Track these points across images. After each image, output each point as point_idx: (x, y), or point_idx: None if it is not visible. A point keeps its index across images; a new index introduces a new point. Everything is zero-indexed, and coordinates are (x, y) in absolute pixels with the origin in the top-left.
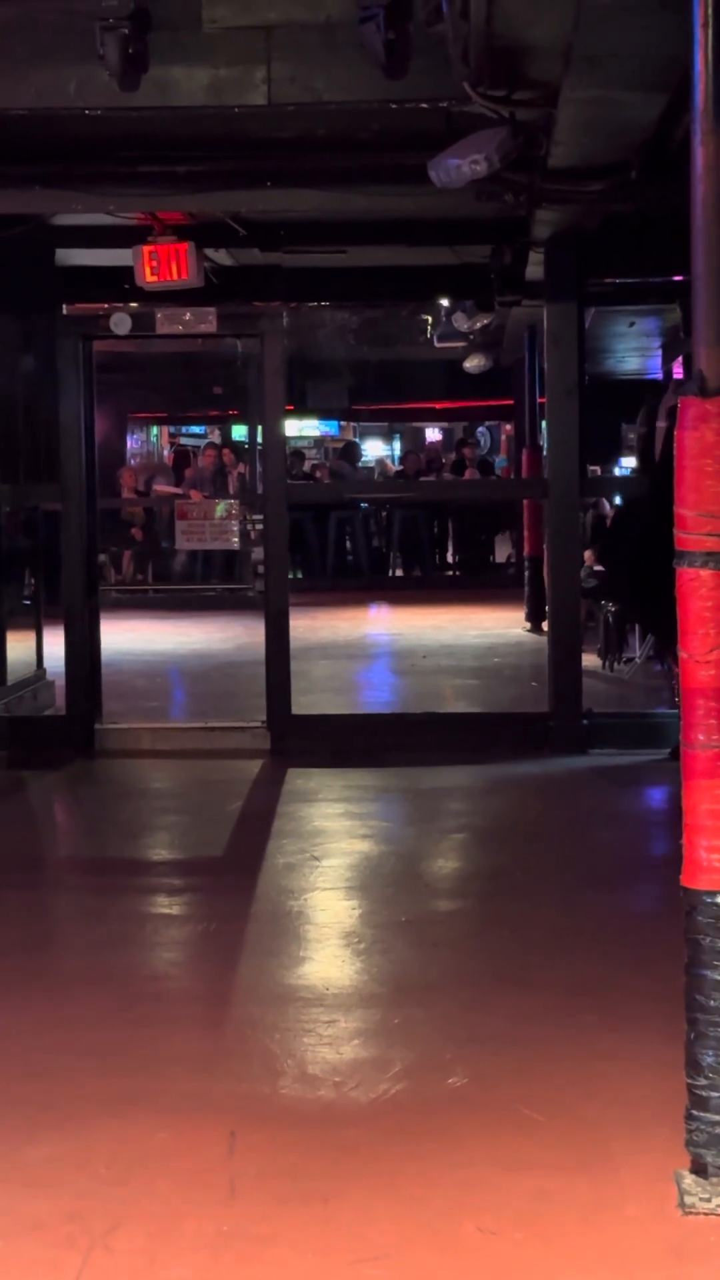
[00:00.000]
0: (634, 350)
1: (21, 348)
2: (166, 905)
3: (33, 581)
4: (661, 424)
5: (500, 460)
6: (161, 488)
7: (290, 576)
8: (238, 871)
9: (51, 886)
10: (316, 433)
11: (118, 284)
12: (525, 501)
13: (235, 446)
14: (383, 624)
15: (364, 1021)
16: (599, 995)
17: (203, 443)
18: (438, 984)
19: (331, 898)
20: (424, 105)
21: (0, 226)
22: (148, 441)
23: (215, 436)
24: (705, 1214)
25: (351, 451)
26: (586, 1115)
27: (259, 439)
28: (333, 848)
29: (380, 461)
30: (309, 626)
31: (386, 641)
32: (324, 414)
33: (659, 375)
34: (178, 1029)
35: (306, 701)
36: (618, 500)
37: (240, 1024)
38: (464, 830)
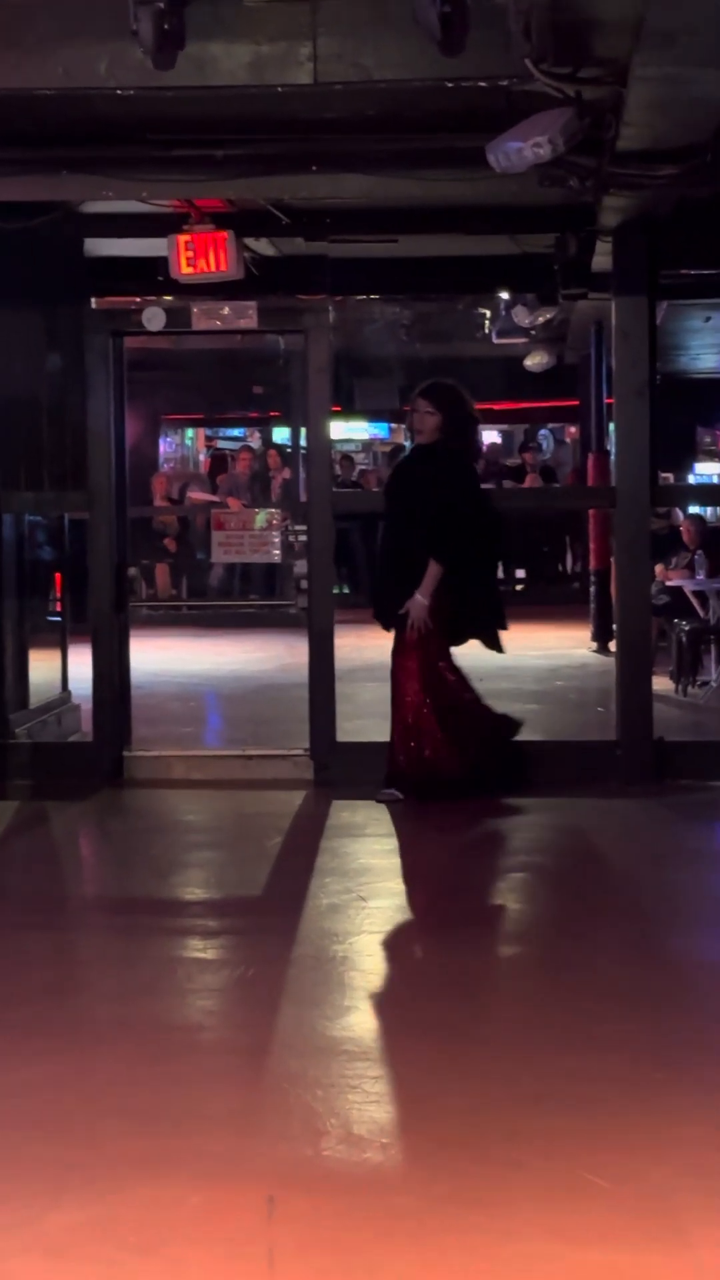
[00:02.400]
0: (710, 347)
1: (47, 344)
2: (201, 949)
3: (58, 596)
4: None
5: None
6: (197, 495)
7: (336, 591)
8: (277, 913)
9: (77, 928)
10: (365, 435)
11: (151, 276)
12: (591, 511)
13: (280, 450)
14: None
15: (413, 1078)
16: (671, 1052)
17: (239, 445)
18: (493, 1037)
19: (379, 942)
20: (482, 84)
21: (25, 214)
22: (182, 445)
23: (254, 440)
24: None
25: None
26: (657, 1183)
27: (302, 442)
28: (381, 887)
29: None
30: (355, 646)
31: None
32: (373, 415)
33: None
34: (213, 1084)
35: (353, 728)
36: (693, 510)
37: (279, 1079)
38: (523, 869)
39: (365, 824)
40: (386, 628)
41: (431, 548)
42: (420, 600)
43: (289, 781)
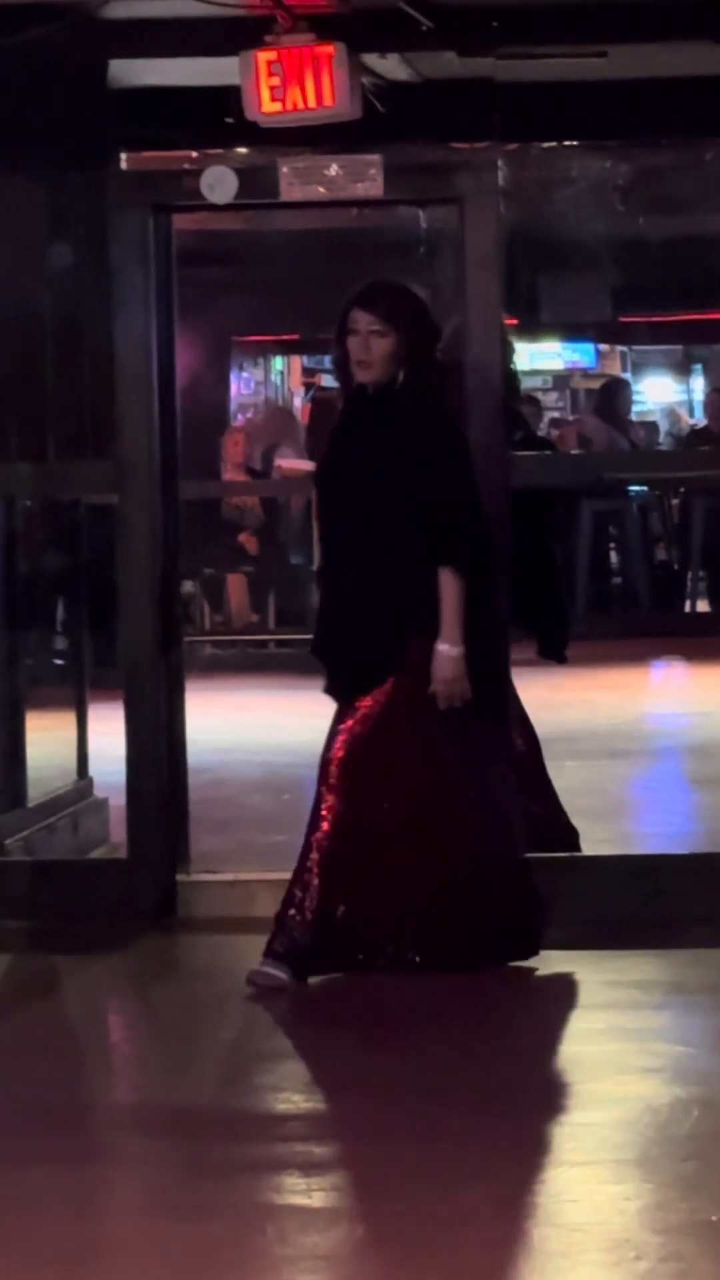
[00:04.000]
0: None
1: (51, 229)
2: (300, 1190)
3: (71, 630)
4: None
5: None
6: (291, 463)
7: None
8: (425, 1134)
9: (107, 1158)
10: (558, 364)
11: (213, 118)
12: None
13: None
14: (674, 695)
15: None
16: None
17: None
18: None
19: (589, 1179)
20: None
21: (16, 23)
22: (267, 384)
23: None
24: None
25: (617, 396)
26: None
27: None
28: (588, 1091)
29: (670, 413)
30: (546, 701)
31: (681, 727)
32: (570, 332)
33: None
34: None
35: None
36: None
37: None
38: None
39: (563, 988)
40: (348, 697)
41: (444, 550)
42: (450, 653)
43: None
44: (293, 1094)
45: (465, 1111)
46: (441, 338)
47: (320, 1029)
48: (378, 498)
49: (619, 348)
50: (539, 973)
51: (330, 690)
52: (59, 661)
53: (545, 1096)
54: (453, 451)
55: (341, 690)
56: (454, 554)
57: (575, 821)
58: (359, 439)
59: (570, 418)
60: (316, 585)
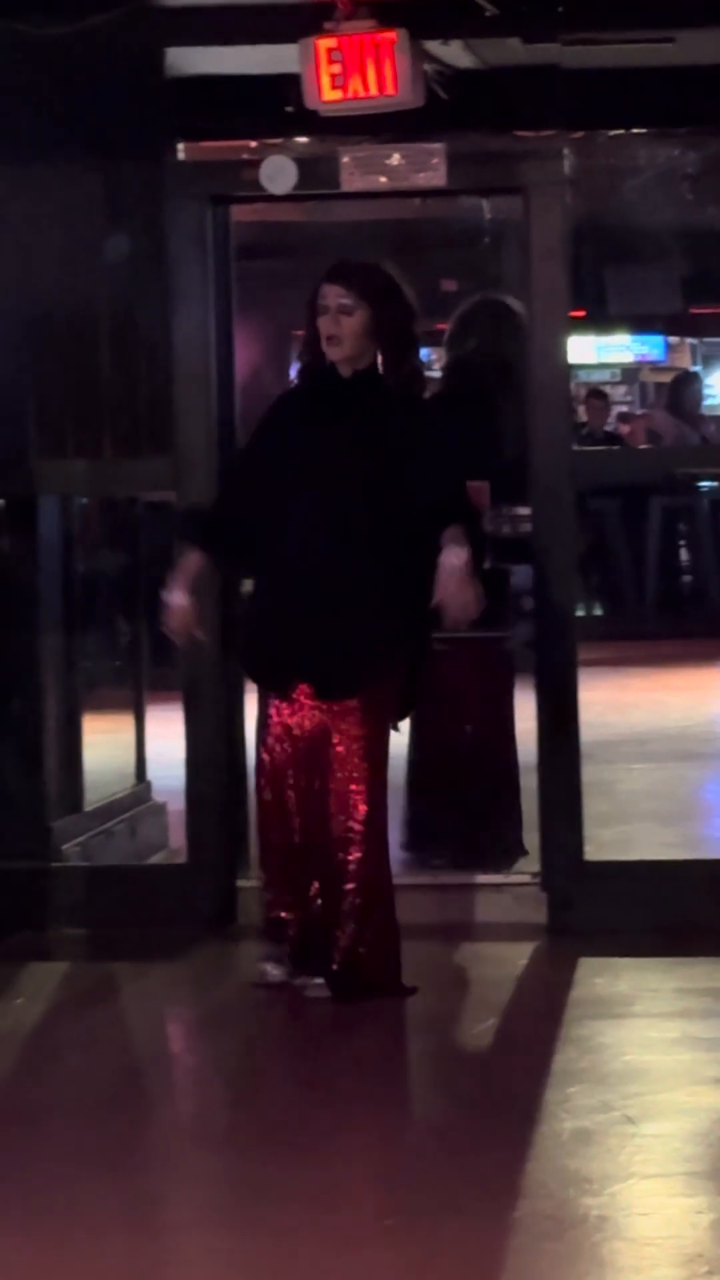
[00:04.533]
0: None
1: (107, 220)
2: (365, 1205)
3: (129, 630)
4: None
5: None
6: None
7: (582, 613)
8: (491, 1143)
9: (169, 1172)
10: (627, 357)
11: (273, 106)
12: None
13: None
14: None
15: None
16: None
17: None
18: None
19: (660, 1192)
20: None
21: (73, 11)
22: None
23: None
24: None
25: (687, 390)
26: None
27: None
28: (660, 1101)
29: None
30: (616, 702)
31: None
32: (639, 325)
33: None
34: None
35: (612, 838)
36: None
37: None
38: None
39: (634, 997)
40: (331, 694)
41: (453, 520)
42: (459, 560)
43: (508, 927)
44: (353, 1103)
45: (529, 1121)
46: (416, 317)
47: (395, 1039)
48: (379, 492)
49: (689, 340)
50: (607, 980)
51: (317, 687)
52: (117, 663)
53: (614, 1107)
54: (456, 449)
55: (331, 686)
56: (465, 518)
57: (643, 825)
58: (343, 428)
59: (639, 412)
60: (263, 580)
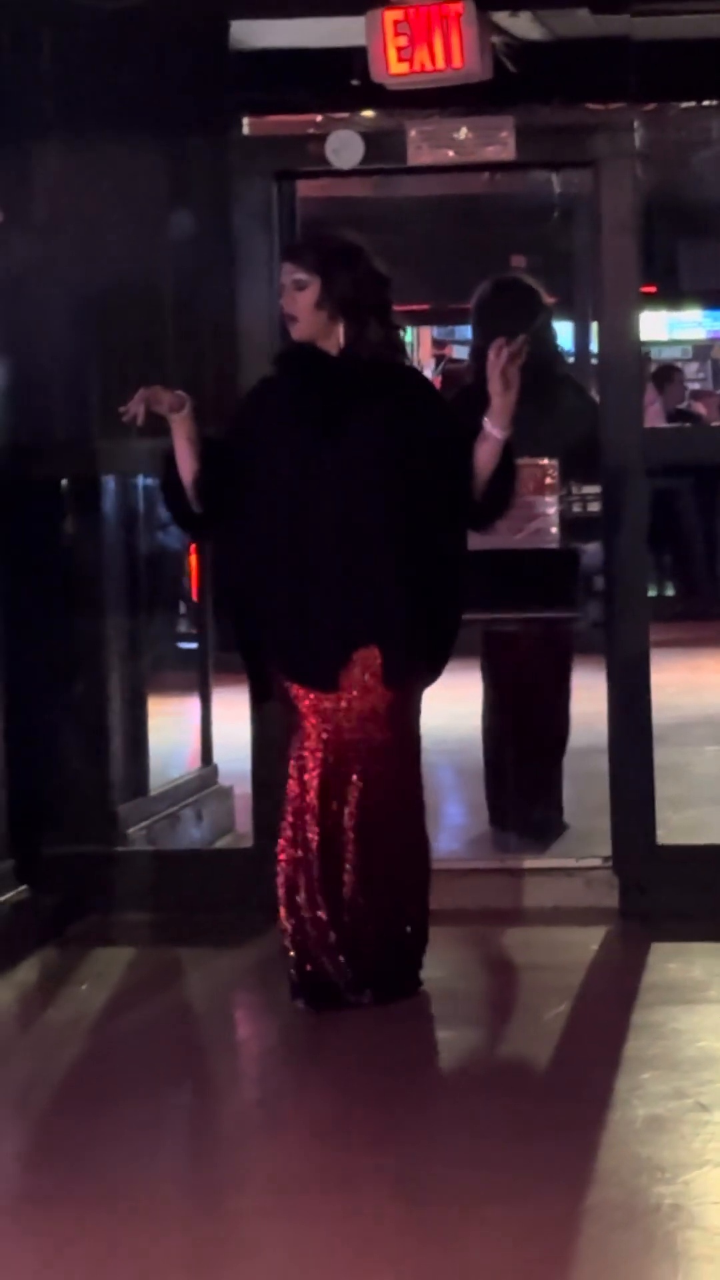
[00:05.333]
0: None
1: (171, 195)
2: (426, 1194)
3: (194, 609)
4: None
5: None
6: None
7: (654, 594)
8: (563, 1130)
9: (235, 1158)
10: (699, 334)
11: (339, 80)
12: None
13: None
14: None
15: None
16: None
17: None
18: None
19: None
20: None
21: None
22: None
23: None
24: None
25: None
26: None
27: (593, 346)
28: None
29: None
30: (689, 684)
31: None
32: (711, 300)
33: None
34: None
35: (685, 821)
36: None
37: None
38: None
39: (709, 983)
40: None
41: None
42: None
43: (580, 912)
44: (418, 1092)
45: (601, 1109)
46: (383, 283)
47: (462, 1025)
48: (393, 470)
49: None
50: (680, 965)
51: (314, 680)
52: (183, 645)
53: (688, 1094)
54: (454, 420)
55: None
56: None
57: (716, 809)
58: (336, 405)
59: (712, 387)
60: (265, 565)
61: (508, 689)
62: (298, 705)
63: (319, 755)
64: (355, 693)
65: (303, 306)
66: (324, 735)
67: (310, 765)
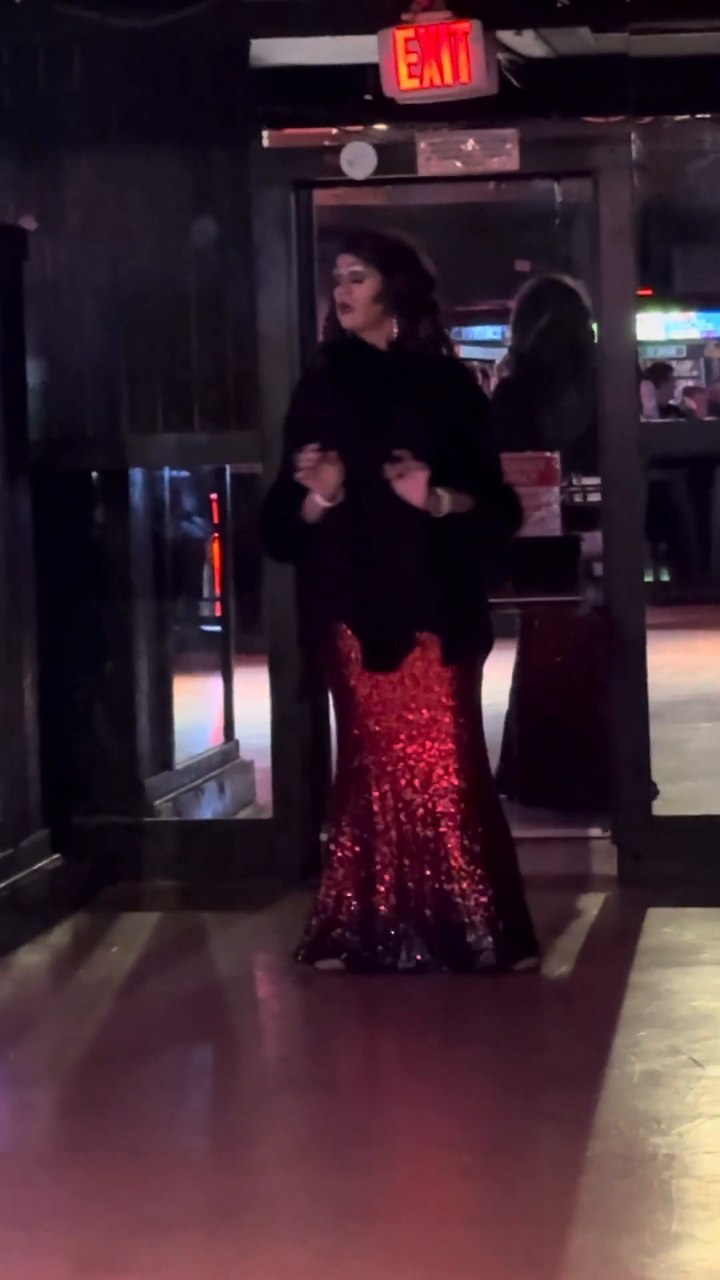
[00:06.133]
0: None
1: (194, 204)
2: (445, 1145)
3: (217, 595)
4: None
5: None
6: None
7: (650, 580)
8: (564, 1084)
9: (255, 1113)
10: (693, 333)
11: (353, 95)
12: None
13: None
14: None
15: None
16: None
17: (500, 354)
18: None
19: None
20: None
21: (161, 3)
22: None
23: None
24: None
25: None
26: None
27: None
28: None
29: None
30: (683, 665)
31: None
32: (704, 302)
33: None
34: None
35: (679, 793)
36: None
37: None
38: None
39: (701, 946)
40: (389, 666)
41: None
42: (439, 500)
43: (579, 879)
44: (432, 1049)
45: (601, 1064)
46: (433, 284)
47: (469, 986)
48: (437, 455)
49: None
50: (675, 929)
51: (379, 663)
52: (208, 628)
53: (682, 1051)
54: (488, 411)
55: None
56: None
57: (710, 782)
58: (387, 395)
59: (703, 385)
60: (332, 546)
61: (549, 671)
62: (360, 690)
63: (380, 741)
64: (417, 674)
65: (359, 298)
66: (386, 723)
67: (370, 759)
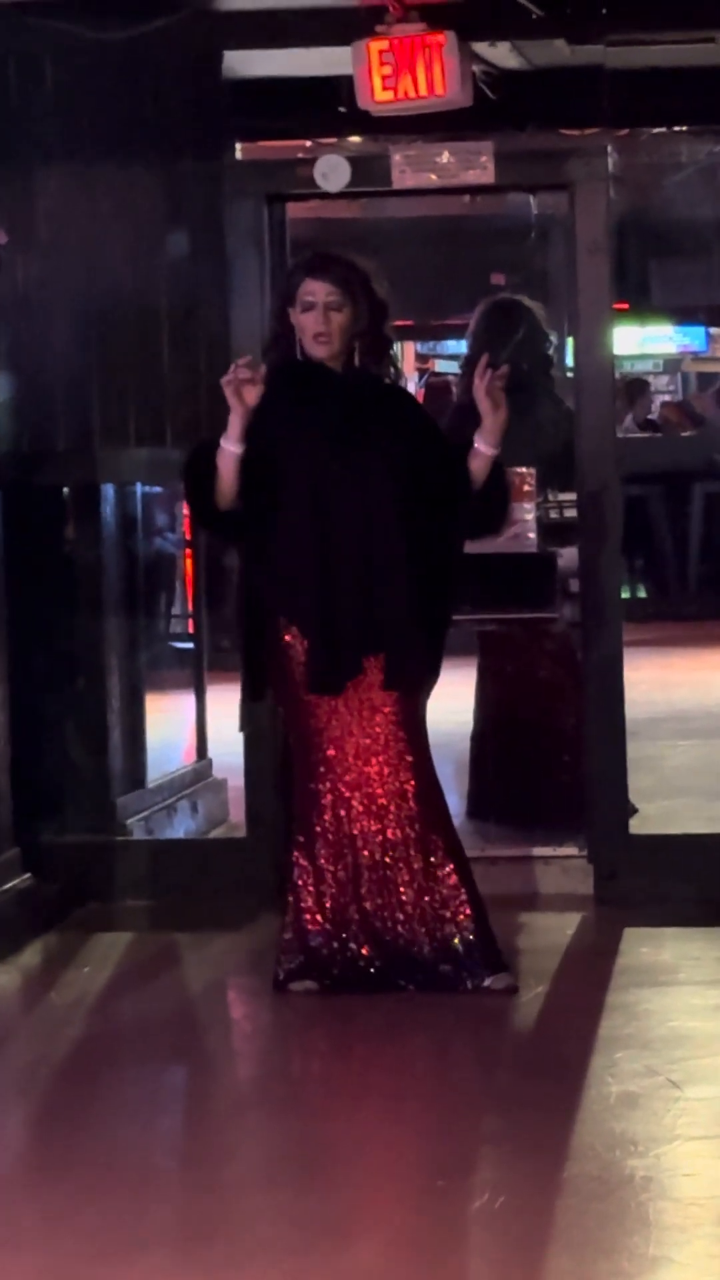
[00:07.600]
0: None
1: (167, 217)
2: (421, 1160)
3: (189, 611)
4: None
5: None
6: None
7: (627, 596)
8: (539, 1106)
9: (229, 1134)
10: (669, 348)
11: (327, 107)
12: None
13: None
14: None
15: None
16: None
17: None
18: None
19: (704, 1153)
20: None
21: (134, 15)
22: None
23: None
24: None
25: None
26: None
27: (569, 360)
28: (703, 1066)
29: None
30: (659, 681)
31: None
32: (681, 316)
33: None
34: None
35: (656, 812)
36: None
37: None
38: None
39: (677, 966)
40: (335, 689)
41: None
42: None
43: (555, 898)
44: (411, 1067)
45: (577, 1086)
46: (388, 312)
47: (443, 1007)
48: (404, 481)
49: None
50: (651, 949)
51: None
52: (178, 645)
53: (659, 1072)
54: (444, 436)
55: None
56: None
57: (686, 800)
58: (352, 415)
59: (679, 398)
60: (300, 562)
61: (509, 687)
62: (314, 713)
63: (335, 766)
64: (368, 697)
65: (337, 327)
66: (341, 746)
67: (326, 784)
